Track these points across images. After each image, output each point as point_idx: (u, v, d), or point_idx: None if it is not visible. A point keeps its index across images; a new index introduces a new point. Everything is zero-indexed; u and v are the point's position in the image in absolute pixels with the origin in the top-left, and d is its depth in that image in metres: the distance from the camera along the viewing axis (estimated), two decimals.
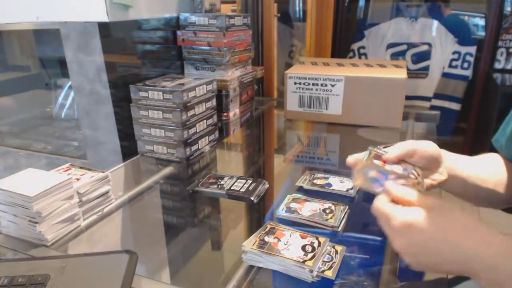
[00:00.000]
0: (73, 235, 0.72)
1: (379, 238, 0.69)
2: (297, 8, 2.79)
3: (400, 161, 0.58)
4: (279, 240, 0.66)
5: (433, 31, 2.11)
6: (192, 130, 1.05)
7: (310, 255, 0.62)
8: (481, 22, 2.12)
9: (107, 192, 0.81)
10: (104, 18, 0.97)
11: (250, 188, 0.86)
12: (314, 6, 1.98)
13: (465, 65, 2.07)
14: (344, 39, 2.34)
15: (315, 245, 0.65)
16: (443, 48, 2.11)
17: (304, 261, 0.60)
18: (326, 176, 0.92)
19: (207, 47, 1.26)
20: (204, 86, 1.09)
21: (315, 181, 0.90)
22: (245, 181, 0.90)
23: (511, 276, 0.41)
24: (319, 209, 0.77)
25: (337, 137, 1.33)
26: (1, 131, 1.64)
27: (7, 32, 1.73)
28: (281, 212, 0.77)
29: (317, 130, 1.36)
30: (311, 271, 0.59)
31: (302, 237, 0.67)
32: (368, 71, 1.29)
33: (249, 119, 1.45)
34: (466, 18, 2.15)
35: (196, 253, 0.73)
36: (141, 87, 1.03)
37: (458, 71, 2.09)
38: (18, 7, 1.06)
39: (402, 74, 1.24)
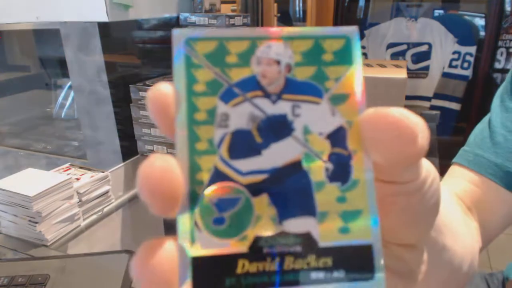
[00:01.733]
0: (73, 235, 0.72)
1: None
2: (297, 8, 2.79)
3: None
4: None
5: (433, 31, 2.11)
6: None
7: None
8: (481, 22, 2.12)
9: (107, 192, 0.81)
10: (104, 18, 0.97)
11: None
12: (314, 6, 1.98)
13: (465, 65, 2.07)
14: None
15: None
16: (443, 48, 2.11)
17: None
18: None
19: None
20: None
21: None
22: None
23: None
24: None
25: None
26: (1, 131, 1.64)
27: (7, 32, 1.73)
28: None
29: None
30: None
31: None
32: (368, 71, 1.29)
33: None
34: (466, 18, 2.15)
35: None
36: (141, 87, 1.03)
37: (458, 71, 2.09)
38: (18, 7, 1.06)
39: (402, 74, 1.24)
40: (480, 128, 0.45)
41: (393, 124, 0.13)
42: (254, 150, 0.14)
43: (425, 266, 0.20)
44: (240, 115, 0.14)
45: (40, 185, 0.66)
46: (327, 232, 0.13)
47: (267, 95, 0.14)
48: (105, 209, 0.81)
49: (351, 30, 0.15)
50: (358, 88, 0.14)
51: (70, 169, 0.81)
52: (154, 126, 1.04)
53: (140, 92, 1.03)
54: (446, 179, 0.45)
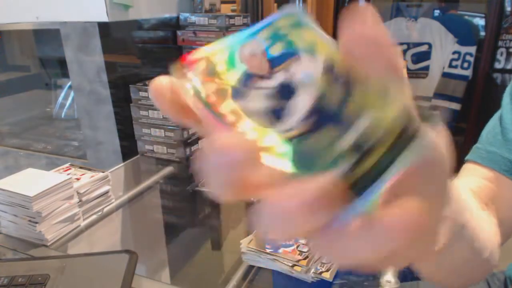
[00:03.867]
0: (73, 235, 0.72)
1: None
2: None
3: None
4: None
5: (433, 31, 2.11)
6: (192, 130, 1.05)
7: (304, 255, 0.62)
8: (481, 22, 2.12)
9: (107, 192, 0.81)
10: (104, 18, 0.97)
11: None
12: (314, 6, 1.98)
13: (465, 65, 2.07)
14: None
15: None
16: (443, 48, 2.11)
17: (298, 261, 0.60)
18: None
19: None
20: None
21: None
22: None
23: None
24: None
25: None
26: (1, 131, 1.64)
27: (7, 32, 1.73)
28: None
29: None
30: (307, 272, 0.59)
31: None
32: None
33: None
34: (466, 18, 2.15)
35: (196, 253, 0.73)
36: (141, 87, 1.03)
37: (458, 71, 2.09)
38: (18, 7, 1.06)
39: None
40: (492, 125, 0.46)
41: (362, 39, 0.16)
42: (277, 114, 0.17)
43: (445, 238, 0.23)
44: (255, 100, 0.17)
45: (40, 185, 0.66)
46: None
47: (262, 77, 0.17)
48: (105, 209, 0.81)
49: (295, 8, 0.18)
50: (320, 36, 0.17)
51: (70, 169, 0.81)
52: (154, 126, 1.04)
53: (140, 92, 1.03)
54: (460, 176, 0.45)
